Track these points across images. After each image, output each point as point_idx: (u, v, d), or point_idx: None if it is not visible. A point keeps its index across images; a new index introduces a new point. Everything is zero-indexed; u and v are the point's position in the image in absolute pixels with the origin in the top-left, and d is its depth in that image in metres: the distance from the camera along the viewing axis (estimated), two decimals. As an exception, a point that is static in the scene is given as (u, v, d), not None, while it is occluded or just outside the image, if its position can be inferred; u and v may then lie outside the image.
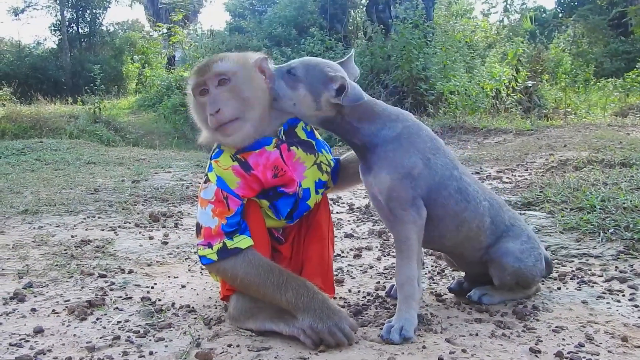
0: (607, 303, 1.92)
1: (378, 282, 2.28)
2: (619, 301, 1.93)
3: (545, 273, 2.09)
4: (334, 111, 1.78)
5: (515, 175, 4.58)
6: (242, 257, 1.73)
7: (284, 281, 1.70)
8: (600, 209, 2.95)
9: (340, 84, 1.71)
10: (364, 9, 13.75)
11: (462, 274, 2.28)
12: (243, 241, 1.75)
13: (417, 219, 1.76)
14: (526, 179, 4.33)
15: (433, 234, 1.85)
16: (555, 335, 1.67)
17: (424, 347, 1.61)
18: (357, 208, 3.89)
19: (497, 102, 10.05)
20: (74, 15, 23.16)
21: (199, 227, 1.80)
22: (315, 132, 1.98)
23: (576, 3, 21.94)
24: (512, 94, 10.20)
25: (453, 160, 1.87)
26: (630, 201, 2.94)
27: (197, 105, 1.80)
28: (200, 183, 2.00)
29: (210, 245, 1.75)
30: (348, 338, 1.60)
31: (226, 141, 1.77)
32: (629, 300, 1.94)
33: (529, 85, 10.52)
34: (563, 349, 1.56)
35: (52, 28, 23.19)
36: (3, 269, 2.46)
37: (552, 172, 4.45)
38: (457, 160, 1.91)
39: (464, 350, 1.57)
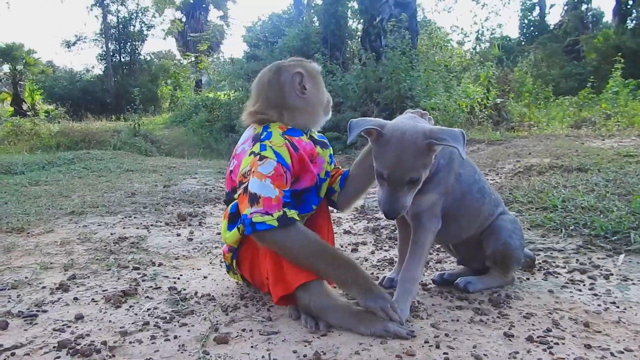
0: (570, 292, 1.85)
1: (372, 274, 2.22)
2: (580, 290, 1.86)
3: (527, 265, 2.10)
4: None
5: (487, 179, 4.48)
6: (297, 228, 1.61)
7: (334, 257, 1.61)
8: (561, 208, 2.88)
9: (433, 149, 1.56)
10: (359, 39, 13.71)
11: (445, 266, 2.21)
12: (295, 214, 1.64)
13: (436, 228, 1.73)
14: (497, 182, 4.26)
15: (454, 230, 1.83)
16: (526, 321, 1.60)
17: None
18: (354, 208, 3.82)
19: (472, 116, 9.97)
20: (117, 46, 23.13)
21: (256, 197, 1.62)
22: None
23: (536, 33, 21.84)
24: (483, 110, 10.13)
25: (473, 166, 1.85)
26: (587, 202, 2.87)
27: (322, 88, 1.90)
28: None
29: (269, 213, 1.59)
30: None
31: (325, 120, 1.92)
32: (589, 289, 1.87)
33: (498, 102, 10.44)
34: (533, 333, 1.50)
35: (99, 58, 23.15)
36: (51, 263, 2.41)
37: (519, 176, 4.37)
38: (475, 164, 1.89)
39: (446, 335, 1.51)
